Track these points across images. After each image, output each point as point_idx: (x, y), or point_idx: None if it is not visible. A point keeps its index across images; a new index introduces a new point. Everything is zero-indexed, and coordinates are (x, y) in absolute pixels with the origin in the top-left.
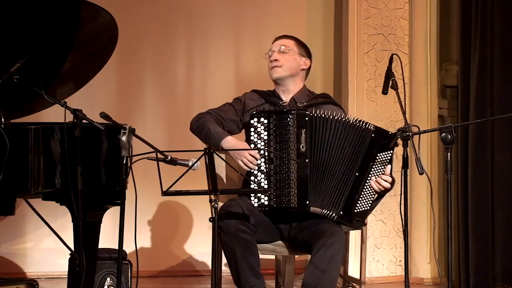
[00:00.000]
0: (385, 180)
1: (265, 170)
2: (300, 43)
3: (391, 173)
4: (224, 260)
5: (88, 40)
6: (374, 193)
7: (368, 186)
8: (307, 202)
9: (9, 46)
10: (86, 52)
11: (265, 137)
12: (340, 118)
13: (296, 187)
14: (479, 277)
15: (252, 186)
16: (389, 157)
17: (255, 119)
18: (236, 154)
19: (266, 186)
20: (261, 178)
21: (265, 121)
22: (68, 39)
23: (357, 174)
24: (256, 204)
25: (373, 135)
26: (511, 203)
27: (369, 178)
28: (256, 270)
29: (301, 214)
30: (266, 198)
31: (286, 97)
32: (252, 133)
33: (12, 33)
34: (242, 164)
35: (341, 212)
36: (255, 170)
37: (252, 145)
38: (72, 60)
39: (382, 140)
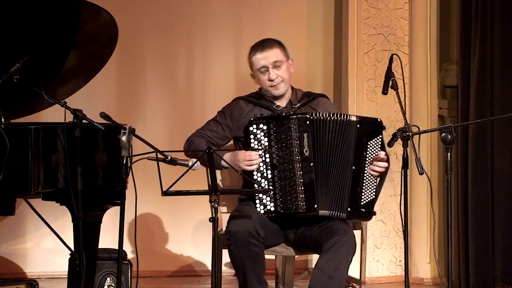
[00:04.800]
0: (380, 160)
1: (269, 177)
2: (282, 46)
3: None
4: (224, 260)
5: (88, 40)
6: (375, 179)
7: (367, 175)
8: (315, 206)
9: (9, 46)
10: (86, 52)
11: (266, 143)
12: (333, 117)
13: (303, 192)
14: (479, 277)
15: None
16: (380, 142)
17: (254, 126)
18: (236, 165)
19: (271, 193)
20: (265, 184)
21: (264, 127)
22: (68, 39)
23: (353, 168)
24: (262, 211)
25: (358, 125)
26: (511, 203)
27: (366, 168)
28: (261, 278)
29: (309, 218)
30: (272, 204)
31: (281, 102)
32: (252, 140)
33: (13, 33)
34: (245, 167)
35: (349, 209)
36: (258, 176)
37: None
38: (72, 60)
39: (369, 128)
